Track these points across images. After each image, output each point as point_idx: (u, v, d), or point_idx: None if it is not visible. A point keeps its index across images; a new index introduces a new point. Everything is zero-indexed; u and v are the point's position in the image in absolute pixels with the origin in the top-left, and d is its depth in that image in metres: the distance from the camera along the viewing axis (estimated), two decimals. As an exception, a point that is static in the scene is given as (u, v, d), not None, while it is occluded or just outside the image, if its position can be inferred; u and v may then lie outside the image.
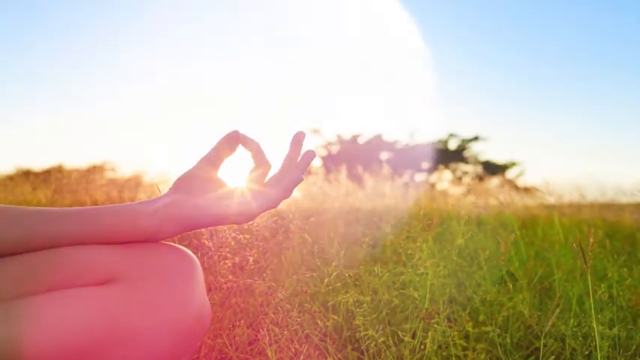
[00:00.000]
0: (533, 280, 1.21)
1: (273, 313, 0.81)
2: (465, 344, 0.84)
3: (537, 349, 0.95)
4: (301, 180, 0.54)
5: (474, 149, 18.06)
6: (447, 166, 17.87)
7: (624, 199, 3.22)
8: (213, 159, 0.52)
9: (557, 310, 0.74)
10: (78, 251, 0.43)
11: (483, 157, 17.79)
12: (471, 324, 0.87)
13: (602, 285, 0.85)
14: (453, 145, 18.08)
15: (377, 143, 18.17)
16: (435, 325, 0.79)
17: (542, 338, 0.77)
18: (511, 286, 0.90)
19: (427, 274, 0.86)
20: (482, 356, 0.83)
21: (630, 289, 0.94)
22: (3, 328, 0.36)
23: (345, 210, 2.30)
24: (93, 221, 0.44)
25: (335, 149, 18.08)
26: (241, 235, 0.86)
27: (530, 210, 2.80)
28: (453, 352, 0.79)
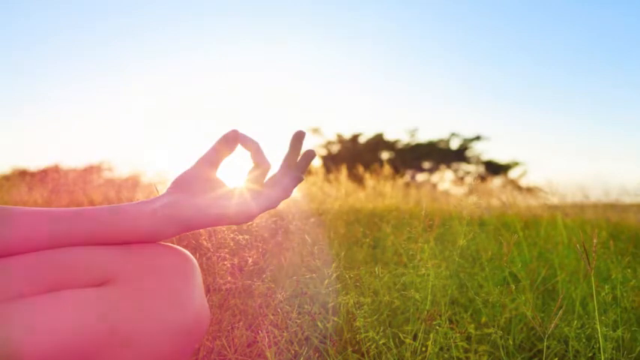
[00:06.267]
0: (536, 281, 1.20)
1: (273, 315, 0.81)
2: (467, 346, 0.83)
3: (540, 351, 0.94)
4: (301, 180, 0.53)
5: (476, 149, 18.09)
6: (448, 166, 17.88)
7: (628, 200, 3.22)
8: (212, 159, 0.51)
9: (561, 312, 0.73)
10: (76, 252, 0.42)
11: (485, 157, 17.80)
12: (473, 326, 0.86)
13: (606, 286, 0.84)
14: (454, 144, 18.10)
15: (378, 143, 18.19)
16: (437, 327, 0.78)
17: (545, 340, 0.76)
18: (514, 287, 0.89)
19: (429, 275, 0.85)
20: (485, 358, 0.82)
21: (634, 291, 0.94)
22: (2, 329, 0.36)
23: (345, 210, 2.30)
24: (90, 222, 0.44)
25: (335, 149, 18.11)
26: (240, 236, 0.85)
27: (533, 210, 2.80)
28: (454, 354, 0.78)
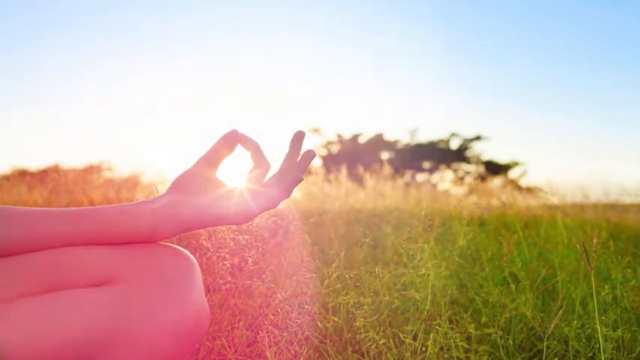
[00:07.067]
0: (536, 281, 1.20)
1: (273, 315, 0.81)
2: (467, 346, 0.83)
3: (540, 351, 0.94)
4: (301, 180, 0.53)
5: (476, 149, 18.09)
6: (448, 166, 17.88)
7: (628, 200, 3.22)
8: (212, 159, 0.51)
9: (561, 312, 0.73)
10: (76, 252, 0.42)
11: (485, 157, 17.80)
12: (473, 326, 0.86)
13: (606, 286, 0.84)
14: (454, 144, 18.10)
15: (378, 143, 18.19)
16: (437, 327, 0.78)
17: (545, 340, 0.76)
18: (514, 287, 0.89)
19: (429, 275, 0.85)
20: (485, 358, 0.82)
21: (634, 291, 0.94)
22: (1, 329, 0.36)
23: (345, 210, 2.30)
24: (90, 222, 0.44)
25: (335, 149, 18.11)
26: (240, 236, 0.85)
27: (533, 210, 2.80)
28: (454, 354, 0.78)
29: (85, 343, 0.38)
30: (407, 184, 4.48)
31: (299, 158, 0.54)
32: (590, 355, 0.79)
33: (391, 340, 0.79)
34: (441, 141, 18.07)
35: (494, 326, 0.91)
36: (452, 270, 1.10)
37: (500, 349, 0.81)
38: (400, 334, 0.80)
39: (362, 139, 18.27)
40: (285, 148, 0.54)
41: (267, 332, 0.77)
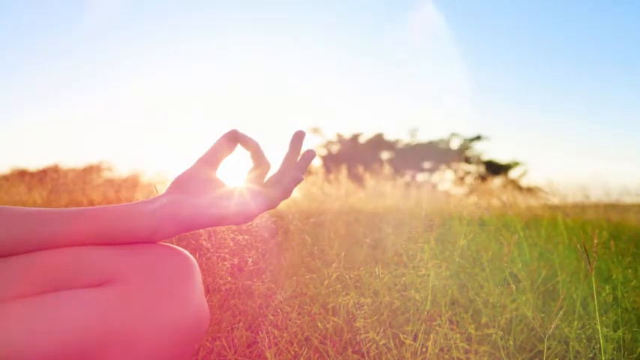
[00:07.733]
0: (536, 281, 1.20)
1: (273, 315, 0.81)
2: (467, 347, 0.83)
3: (541, 351, 0.94)
4: (301, 180, 0.53)
5: (477, 149, 18.08)
6: (448, 166, 17.88)
7: (629, 200, 3.22)
8: (212, 159, 0.51)
9: (561, 312, 0.72)
10: (75, 252, 0.42)
11: (486, 157, 17.79)
12: (473, 326, 0.86)
13: (607, 287, 0.84)
14: (455, 144, 18.10)
15: (378, 143, 18.20)
16: (437, 328, 0.78)
17: (546, 341, 0.76)
18: (514, 287, 0.89)
19: (429, 275, 0.85)
20: (485, 359, 0.82)
21: (635, 291, 0.93)
22: (2, 330, 0.36)
23: (345, 211, 2.29)
24: (90, 222, 0.44)
25: (335, 149, 18.11)
26: (240, 236, 0.85)
27: (534, 210, 2.80)
28: (455, 354, 0.78)
29: (84, 344, 0.38)
30: (407, 184, 4.48)
31: (299, 158, 0.53)
32: (590, 355, 0.79)
33: (391, 340, 0.78)
34: (441, 141, 18.08)
35: (494, 327, 0.91)
36: (452, 270, 1.10)
37: (501, 349, 0.81)
38: (400, 335, 0.80)
39: (362, 139, 18.28)
40: (285, 148, 0.54)
41: (267, 333, 0.77)
